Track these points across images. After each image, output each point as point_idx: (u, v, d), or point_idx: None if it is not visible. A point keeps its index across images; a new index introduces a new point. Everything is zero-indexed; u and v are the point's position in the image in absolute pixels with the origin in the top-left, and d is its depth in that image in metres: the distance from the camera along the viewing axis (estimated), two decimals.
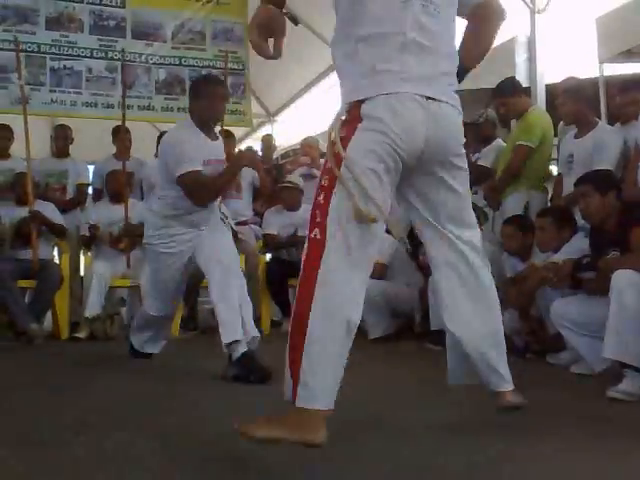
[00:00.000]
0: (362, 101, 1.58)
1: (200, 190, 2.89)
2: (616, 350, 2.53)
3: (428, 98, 1.61)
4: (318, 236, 1.54)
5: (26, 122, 4.49)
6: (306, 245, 1.58)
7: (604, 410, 2.31)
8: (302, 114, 7.19)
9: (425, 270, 4.16)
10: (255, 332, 2.89)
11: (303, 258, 1.57)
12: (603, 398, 2.43)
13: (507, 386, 1.87)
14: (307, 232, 1.60)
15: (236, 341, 2.75)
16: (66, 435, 1.94)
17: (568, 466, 1.69)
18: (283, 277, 4.40)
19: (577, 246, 3.18)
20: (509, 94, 3.95)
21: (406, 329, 4.18)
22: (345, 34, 1.64)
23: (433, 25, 1.63)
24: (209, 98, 2.93)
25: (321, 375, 1.49)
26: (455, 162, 1.74)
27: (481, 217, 3.82)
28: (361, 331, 4.21)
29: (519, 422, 2.10)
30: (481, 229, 3.75)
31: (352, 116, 1.59)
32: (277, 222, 4.79)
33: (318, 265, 1.52)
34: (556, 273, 3.09)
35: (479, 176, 4.17)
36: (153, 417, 2.18)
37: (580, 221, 3.29)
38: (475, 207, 3.86)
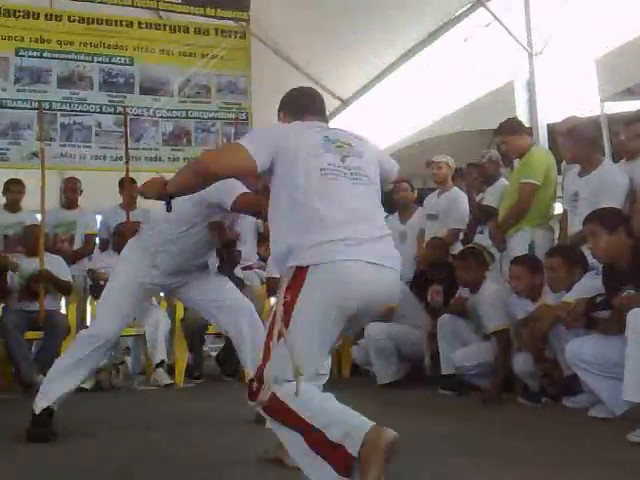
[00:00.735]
0: (306, 267, 1.68)
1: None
2: (636, 392, 2.42)
3: (371, 263, 1.71)
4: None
5: (43, 178, 4.53)
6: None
7: (626, 455, 2.18)
8: None
9: (433, 312, 4.04)
10: None
11: None
12: (625, 443, 2.30)
13: None
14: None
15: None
16: None
17: None
18: None
19: (589, 285, 3.05)
20: (510, 133, 3.93)
21: (416, 373, 4.02)
22: (286, 203, 1.79)
23: (364, 193, 1.83)
24: None
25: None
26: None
27: (487, 258, 3.71)
28: (370, 377, 4.08)
29: (537, 472, 1.98)
30: (488, 270, 3.70)
31: (296, 281, 1.69)
32: None
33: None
34: (569, 313, 2.96)
35: (484, 216, 4.11)
36: (157, 468, 2.13)
37: (591, 259, 3.18)
38: (482, 248, 3.80)
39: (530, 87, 4.74)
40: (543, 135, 4.50)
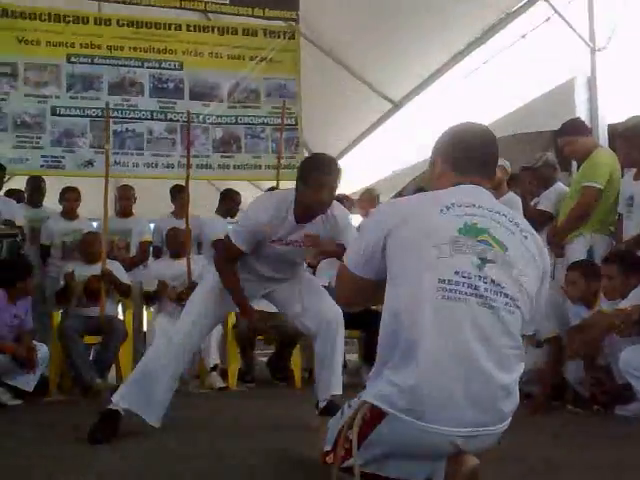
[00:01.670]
0: (384, 413, 1.49)
1: (219, 262, 3.02)
2: None
3: (464, 437, 1.49)
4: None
5: (106, 184, 4.94)
6: None
7: None
8: (354, 164, 7.50)
9: None
10: None
11: None
12: None
13: None
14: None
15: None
16: None
17: None
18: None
19: None
20: (575, 133, 4.03)
21: None
22: (389, 313, 1.55)
23: (493, 326, 1.49)
24: (315, 188, 2.77)
25: None
26: None
27: None
28: None
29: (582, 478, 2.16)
30: None
31: (368, 422, 1.53)
32: (330, 273, 5.02)
33: None
34: (624, 320, 3.13)
35: (539, 221, 4.29)
36: (208, 468, 2.37)
37: None
38: None
39: (591, 85, 4.85)
40: (603, 136, 4.59)
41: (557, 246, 4.07)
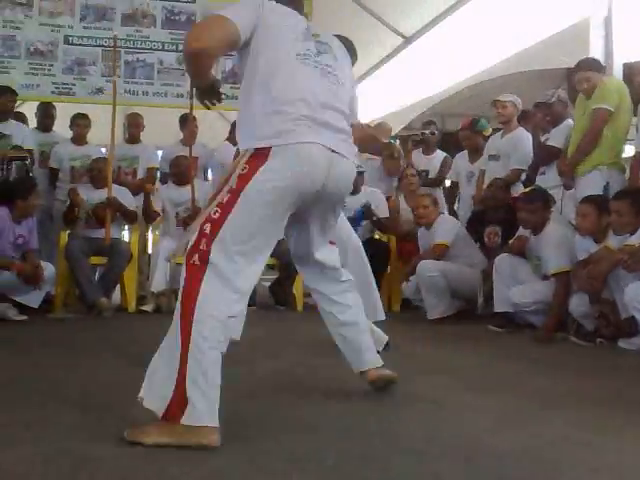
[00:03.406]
0: (263, 149, 1.70)
1: None
2: None
3: (331, 150, 1.78)
4: (197, 262, 1.64)
5: (114, 112, 4.76)
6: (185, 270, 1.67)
7: None
8: (363, 98, 7.17)
9: (489, 253, 4.07)
10: None
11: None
12: None
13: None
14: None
15: None
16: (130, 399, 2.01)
17: (637, 455, 1.57)
18: None
19: None
20: (596, 69, 3.79)
21: (467, 312, 4.09)
22: (258, 76, 1.79)
23: (334, 89, 1.87)
24: None
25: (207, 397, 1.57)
26: (337, 209, 1.98)
27: (549, 200, 3.69)
28: (420, 311, 4.21)
29: (584, 408, 2.00)
30: (550, 211, 3.67)
31: (253, 163, 1.69)
32: None
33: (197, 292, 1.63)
34: (631, 256, 2.98)
35: (548, 157, 4.05)
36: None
37: None
38: (540, 189, 3.77)
39: (607, 23, 4.50)
40: (618, 75, 4.28)
41: (569, 176, 3.82)
